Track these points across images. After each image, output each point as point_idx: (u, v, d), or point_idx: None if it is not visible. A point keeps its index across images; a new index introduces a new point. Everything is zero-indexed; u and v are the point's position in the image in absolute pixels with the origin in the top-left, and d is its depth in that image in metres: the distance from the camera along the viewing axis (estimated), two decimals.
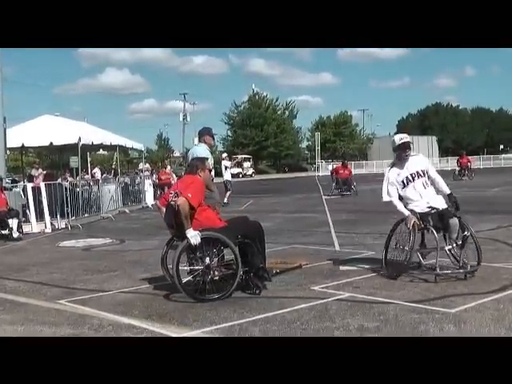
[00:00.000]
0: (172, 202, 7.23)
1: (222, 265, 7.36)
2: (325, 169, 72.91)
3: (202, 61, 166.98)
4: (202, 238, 7.03)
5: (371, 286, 7.42)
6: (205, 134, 9.91)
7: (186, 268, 7.34)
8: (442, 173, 9.12)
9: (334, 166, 32.89)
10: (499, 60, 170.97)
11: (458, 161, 38.45)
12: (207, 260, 7.13)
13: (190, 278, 7.31)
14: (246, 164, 74.03)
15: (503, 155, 79.47)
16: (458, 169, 37.01)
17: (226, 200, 21.78)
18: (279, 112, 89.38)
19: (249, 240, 7.34)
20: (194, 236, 6.96)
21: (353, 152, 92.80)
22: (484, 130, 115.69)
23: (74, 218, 17.76)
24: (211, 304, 6.80)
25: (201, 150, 9.41)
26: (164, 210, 7.55)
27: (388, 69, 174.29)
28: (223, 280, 7.28)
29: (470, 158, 39.25)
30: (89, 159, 30.38)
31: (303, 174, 72.33)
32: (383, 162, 76.31)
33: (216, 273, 7.30)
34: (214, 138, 10.17)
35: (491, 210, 16.39)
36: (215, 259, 7.24)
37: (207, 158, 8.56)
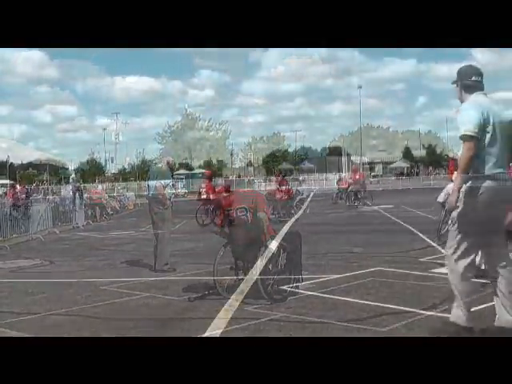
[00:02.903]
0: (243, 217, 8.10)
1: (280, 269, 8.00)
2: None
3: (133, 80, 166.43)
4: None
5: (304, 306, 7.43)
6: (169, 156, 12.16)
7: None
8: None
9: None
10: None
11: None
12: (270, 265, 7.83)
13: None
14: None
15: None
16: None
17: None
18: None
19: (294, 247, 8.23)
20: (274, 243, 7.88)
21: None
22: None
23: (1, 238, 17.32)
24: (140, 331, 6.68)
25: (166, 170, 11.37)
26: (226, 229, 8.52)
27: None
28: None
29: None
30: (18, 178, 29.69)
31: None
32: None
33: (277, 276, 7.89)
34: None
35: None
36: (280, 263, 8.00)
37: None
